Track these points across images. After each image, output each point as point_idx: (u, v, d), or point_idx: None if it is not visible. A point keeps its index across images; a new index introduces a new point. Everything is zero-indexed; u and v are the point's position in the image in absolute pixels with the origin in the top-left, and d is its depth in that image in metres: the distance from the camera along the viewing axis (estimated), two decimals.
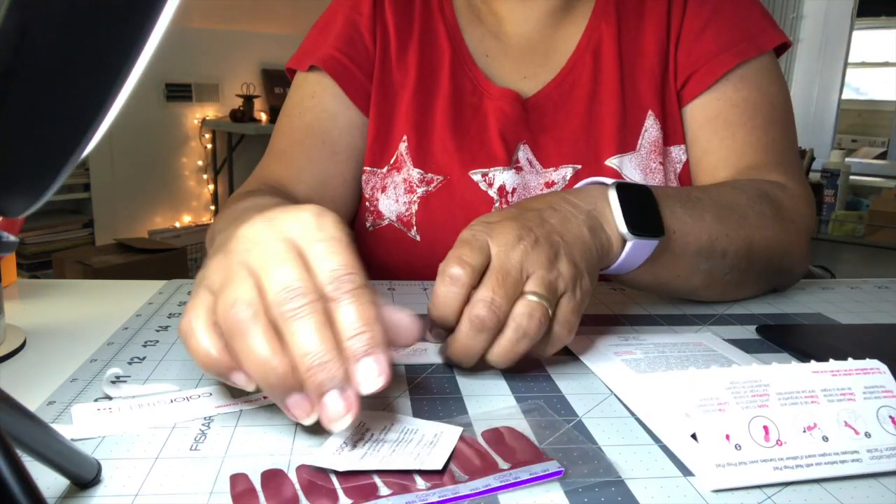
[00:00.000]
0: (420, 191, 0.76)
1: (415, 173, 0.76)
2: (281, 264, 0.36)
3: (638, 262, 0.54)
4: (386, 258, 0.79)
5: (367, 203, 0.79)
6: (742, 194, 0.64)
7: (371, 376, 0.35)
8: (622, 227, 0.51)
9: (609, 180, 0.54)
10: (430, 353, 0.51)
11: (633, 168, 0.75)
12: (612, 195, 0.52)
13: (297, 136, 0.78)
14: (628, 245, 0.52)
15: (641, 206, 0.53)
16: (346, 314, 0.35)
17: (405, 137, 0.77)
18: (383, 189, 0.78)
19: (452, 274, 0.45)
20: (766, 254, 0.64)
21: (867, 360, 0.40)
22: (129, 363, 0.49)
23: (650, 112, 0.76)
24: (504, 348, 0.45)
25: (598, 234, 0.51)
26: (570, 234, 0.49)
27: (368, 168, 0.79)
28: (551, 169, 0.76)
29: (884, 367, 0.39)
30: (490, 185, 0.75)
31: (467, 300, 0.45)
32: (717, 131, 0.74)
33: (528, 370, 0.49)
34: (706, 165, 0.75)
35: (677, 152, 0.77)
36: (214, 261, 0.39)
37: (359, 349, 0.35)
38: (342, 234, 0.38)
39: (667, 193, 0.58)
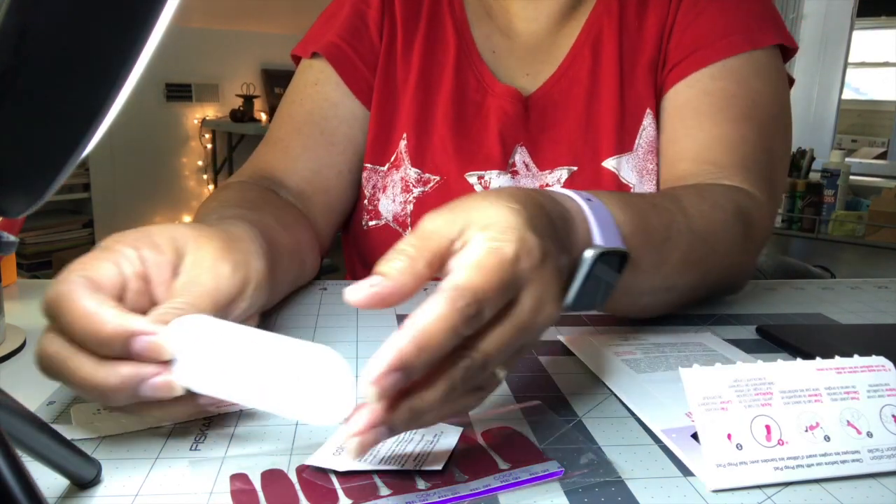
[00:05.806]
0: (416, 191, 0.75)
1: (412, 172, 0.75)
2: None
3: None
4: (380, 258, 0.78)
5: (365, 202, 0.78)
6: (722, 213, 0.58)
7: None
8: (568, 298, 0.42)
9: (597, 233, 0.44)
10: None
11: (630, 170, 0.73)
12: (585, 266, 0.42)
13: (296, 125, 0.76)
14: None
15: (604, 279, 0.44)
16: None
17: (405, 135, 0.76)
18: (384, 189, 0.77)
19: (466, 312, 0.33)
20: (716, 280, 0.61)
21: (873, 356, 0.39)
22: None
23: (648, 110, 0.74)
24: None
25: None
26: (559, 292, 0.38)
27: (369, 165, 0.78)
28: (546, 171, 0.75)
29: (889, 364, 0.39)
30: (486, 188, 0.74)
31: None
32: (683, 120, 0.70)
33: (528, 370, 0.49)
34: (670, 155, 0.71)
35: None
36: None
37: None
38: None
39: (647, 235, 0.49)
